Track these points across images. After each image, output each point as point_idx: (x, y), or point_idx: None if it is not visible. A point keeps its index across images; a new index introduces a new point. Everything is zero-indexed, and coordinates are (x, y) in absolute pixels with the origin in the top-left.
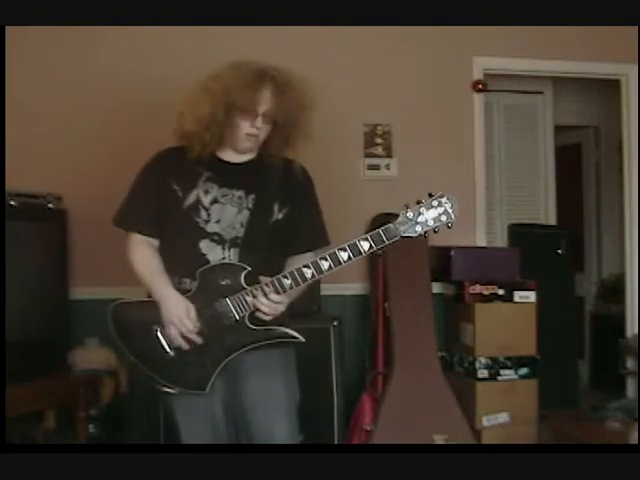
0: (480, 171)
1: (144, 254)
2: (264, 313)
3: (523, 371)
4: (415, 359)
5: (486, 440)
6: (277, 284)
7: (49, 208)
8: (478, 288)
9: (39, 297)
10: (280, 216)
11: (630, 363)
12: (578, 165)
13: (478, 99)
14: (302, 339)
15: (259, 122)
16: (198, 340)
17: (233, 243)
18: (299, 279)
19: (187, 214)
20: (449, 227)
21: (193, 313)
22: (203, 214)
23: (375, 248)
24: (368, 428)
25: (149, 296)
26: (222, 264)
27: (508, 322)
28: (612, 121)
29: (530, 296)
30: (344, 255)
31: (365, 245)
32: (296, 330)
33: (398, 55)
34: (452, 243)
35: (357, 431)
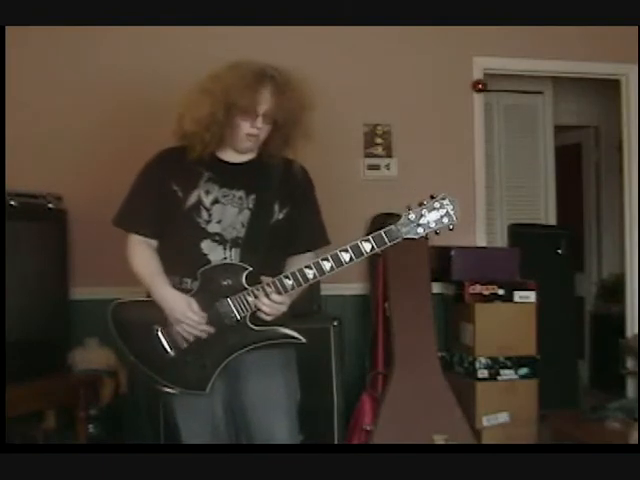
0: (480, 171)
1: (143, 255)
2: (265, 313)
3: (523, 371)
4: (415, 359)
5: (486, 440)
6: (279, 284)
7: (49, 208)
8: (478, 288)
9: (39, 297)
10: (281, 216)
11: (630, 363)
12: (578, 165)
13: (478, 99)
14: (303, 340)
15: (259, 122)
16: (210, 330)
17: (234, 243)
18: (301, 280)
19: (188, 214)
20: (451, 229)
21: (195, 306)
22: (204, 214)
23: (377, 249)
24: (368, 428)
25: (149, 296)
26: (223, 264)
27: (508, 322)
28: (612, 121)
29: (530, 296)
30: (346, 256)
31: (367, 246)
32: (296, 330)
33: (398, 55)
34: (452, 243)
35: (357, 431)
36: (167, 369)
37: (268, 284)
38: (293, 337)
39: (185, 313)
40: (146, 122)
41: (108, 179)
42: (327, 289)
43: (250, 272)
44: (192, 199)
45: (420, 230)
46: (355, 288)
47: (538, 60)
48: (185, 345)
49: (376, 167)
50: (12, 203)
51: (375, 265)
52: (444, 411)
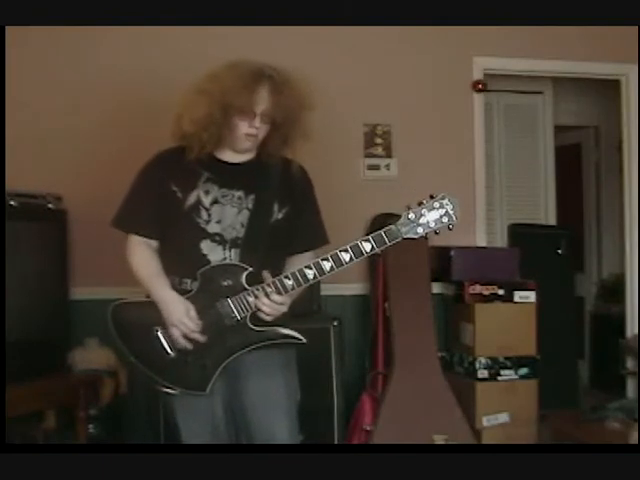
0: (480, 171)
1: (142, 256)
2: (265, 313)
3: (523, 371)
4: (415, 359)
5: (486, 440)
6: (279, 284)
7: (49, 208)
8: (478, 288)
9: (39, 297)
10: (280, 216)
11: (630, 363)
12: (578, 165)
13: (478, 99)
14: (303, 340)
15: (257, 122)
16: (201, 339)
17: (234, 243)
18: (301, 280)
19: (188, 215)
20: (450, 229)
21: (193, 313)
22: (204, 214)
23: (377, 249)
24: (368, 428)
25: (148, 296)
26: (223, 264)
27: (508, 322)
28: (612, 121)
29: (530, 296)
30: (346, 256)
31: (367, 246)
32: (296, 330)
33: (398, 55)
34: (452, 243)
35: (357, 431)
36: (167, 370)
37: (268, 284)
38: (293, 337)
39: (181, 319)
40: (146, 122)
41: (108, 179)
42: (327, 289)
43: (250, 272)
44: (191, 199)
45: (420, 230)
46: (355, 288)
47: (538, 60)
48: (184, 347)
49: (376, 167)
50: (12, 203)
51: (375, 265)
52: (444, 411)
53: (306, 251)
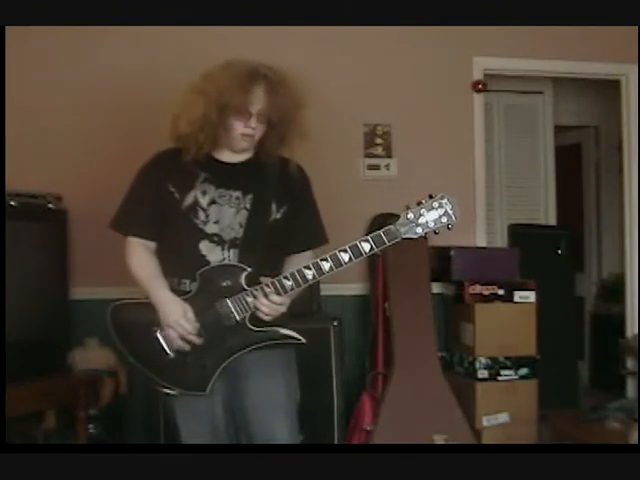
0: (480, 171)
1: (141, 257)
2: (264, 314)
3: (523, 371)
4: (415, 359)
5: (486, 440)
6: (278, 285)
7: (49, 208)
8: (478, 288)
9: (39, 297)
10: (278, 216)
11: (630, 363)
12: (578, 165)
13: (478, 99)
14: (303, 340)
15: (253, 122)
16: (197, 341)
17: (232, 244)
18: (300, 280)
19: (185, 215)
20: (449, 229)
21: (190, 314)
22: (201, 215)
23: (376, 249)
24: (368, 428)
25: (147, 297)
26: (222, 265)
27: (508, 322)
28: (612, 121)
29: (530, 296)
30: (345, 256)
31: (366, 246)
32: (296, 330)
33: (398, 55)
34: (452, 243)
35: (357, 431)
36: (167, 370)
37: (267, 285)
38: (293, 337)
39: (178, 320)
40: (146, 122)
41: (108, 179)
42: (327, 289)
43: (249, 273)
44: (188, 200)
45: (419, 230)
46: (355, 288)
47: (538, 60)
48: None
49: (376, 167)
50: (12, 203)
51: (375, 265)
52: (444, 411)
53: (305, 251)
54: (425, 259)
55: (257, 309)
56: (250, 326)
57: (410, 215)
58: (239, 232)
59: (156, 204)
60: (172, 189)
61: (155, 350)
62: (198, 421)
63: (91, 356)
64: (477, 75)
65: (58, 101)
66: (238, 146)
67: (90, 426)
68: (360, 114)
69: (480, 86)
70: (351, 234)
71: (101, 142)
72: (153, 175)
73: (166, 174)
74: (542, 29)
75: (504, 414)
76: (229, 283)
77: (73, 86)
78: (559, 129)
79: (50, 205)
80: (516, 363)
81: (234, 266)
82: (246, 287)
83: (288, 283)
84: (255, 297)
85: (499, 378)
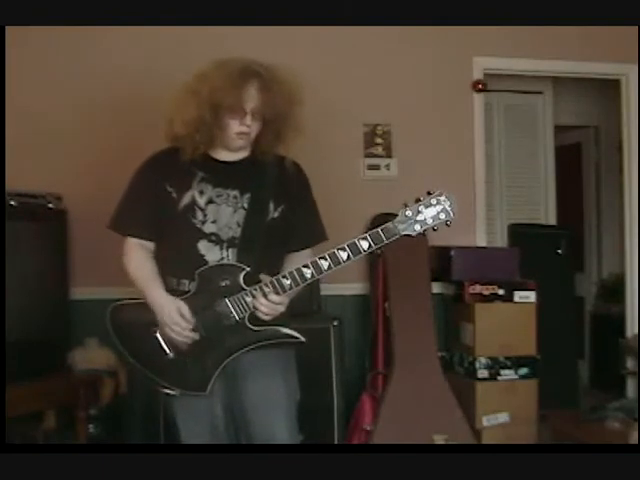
0: (480, 171)
1: (137, 258)
2: (263, 313)
3: (523, 371)
4: (415, 359)
5: (486, 440)
6: (276, 284)
7: (49, 208)
8: (478, 288)
9: (39, 297)
10: (276, 214)
11: (630, 363)
12: (578, 165)
13: (478, 99)
14: (303, 339)
15: (248, 120)
16: (195, 336)
17: (230, 243)
18: (299, 279)
19: (183, 215)
20: (448, 225)
21: (185, 311)
22: (199, 215)
23: (374, 247)
24: (368, 428)
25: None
26: (221, 264)
27: (508, 322)
28: (612, 121)
29: (530, 296)
30: (343, 255)
31: (364, 244)
32: (296, 330)
33: (398, 55)
34: (452, 243)
35: (357, 431)
36: (167, 370)
37: (266, 284)
38: (292, 337)
39: (173, 318)
40: (146, 122)
41: (108, 179)
42: (327, 289)
43: (248, 272)
44: (186, 200)
45: (417, 227)
46: (355, 288)
47: (538, 60)
48: (181, 347)
49: (376, 167)
50: (12, 203)
51: (375, 265)
52: (444, 411)
53: (304, 249)
54: (425, 259)
55: (256, 309)
56: (249, 326)
57: (408, 212)
58: (237, 231)
59: (154, 204)
60: (169, 189)
61: (155, 350)
62: (198, 421)
63: (91, 356)
64: (477, 75)
65: (58, 101)
66: (234, 145)
67: (90, 426)
68: (360, 114)
69: (480, 86)
70: (351, 234)
71: (101, 142)
72: (150, 175)
73: (163, 174)
74: (542, 29)
75: (504, 414)
76: (228, 282)
77: (73, 86)
78: (559, 129)
79: (50, 205)
80: (516, 363)
81: (232, 265)
82: (245, 286)
83: (287, 282)
84: (254, 297)
85: (499, 378)
